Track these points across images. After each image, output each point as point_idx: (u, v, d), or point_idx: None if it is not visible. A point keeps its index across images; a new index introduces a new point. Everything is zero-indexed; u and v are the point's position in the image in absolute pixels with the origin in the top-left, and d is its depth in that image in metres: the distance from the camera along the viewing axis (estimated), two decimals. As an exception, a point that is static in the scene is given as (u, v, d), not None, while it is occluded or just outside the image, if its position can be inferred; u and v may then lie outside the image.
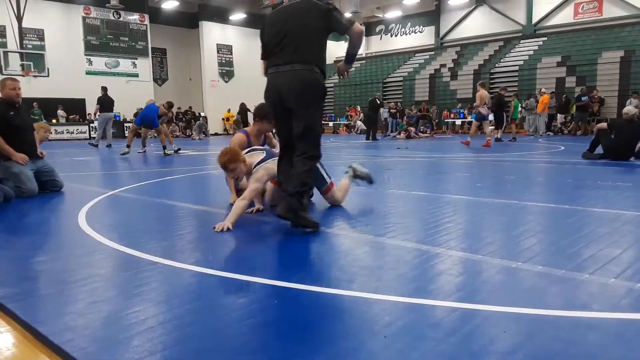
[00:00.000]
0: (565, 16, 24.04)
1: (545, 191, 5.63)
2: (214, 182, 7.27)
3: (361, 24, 28.10)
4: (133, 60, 25.25)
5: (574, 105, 18.43)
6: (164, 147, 11.64)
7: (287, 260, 2.95)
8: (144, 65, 25.65)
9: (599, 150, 8.59)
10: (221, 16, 27.47)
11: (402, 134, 19.51)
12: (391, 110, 22.45)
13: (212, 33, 27.65)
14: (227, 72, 28.34)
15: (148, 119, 11.76)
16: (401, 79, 27.17)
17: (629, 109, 8.73)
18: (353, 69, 31.07)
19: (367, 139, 17.86)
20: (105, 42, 24.48)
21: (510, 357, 1.70)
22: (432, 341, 1.82)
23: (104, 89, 16.13)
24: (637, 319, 1.99)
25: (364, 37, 29.08)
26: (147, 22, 25.54)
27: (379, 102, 18.34)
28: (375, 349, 1.78)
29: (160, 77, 28.21)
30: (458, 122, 23.57)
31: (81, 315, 2.13)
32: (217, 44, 27.79)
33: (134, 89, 24.08)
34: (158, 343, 1.84)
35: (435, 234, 3.55)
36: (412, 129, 20.19)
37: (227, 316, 2.10)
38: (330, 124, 28.00)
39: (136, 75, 25.32)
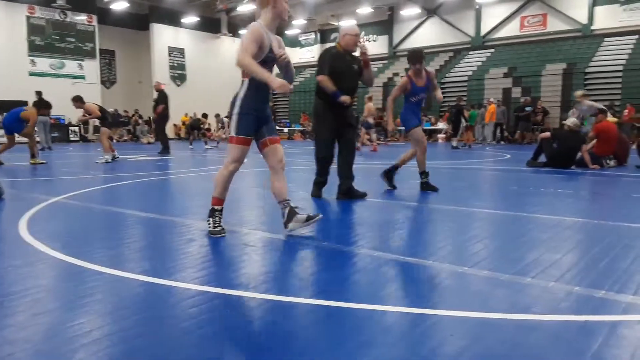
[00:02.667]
0: (512, 29, 25.07)
1: (491, 198, 5.84)
2: (163, 189, 7.11)
3: (316, 31, 28.06)
4: (80, 62, 24.39)
5: (516, 115, 19.26)
6: (32, 155, 10.19)
7: (241, 269, 2.92)
8: (91, 67, 24.83)
9: (543, 158, 8.98)
10: (173, 19, 26.99)
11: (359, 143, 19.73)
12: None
13: (164, 35, 27.10)
14: (179, 75, 27.83)
15: (5, 125, 10.18)
16: (355, 86, 27.56)
17: (572, 120, 9.19)
18: (308, 75, 31.20)
19: None
20: (50, 43, 23.54)
21: (456, 360, 1.75)
22: (382, 346, 1.85)
23: (39, 93, 15.75)
24: (576, 321, 2.09)
25: (318, 45, 28.91)
26: (95, 22, 24.75)
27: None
28: (325, 355, 1.79)
29: (108, 80, 27.36)
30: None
31: (22, 328, 2.03)
32: (168, 46, 27.26)
33: (80, 91, 23.23)
34: (104, 356, 1.78)
35: (387, 241, 3.61)
36: (367, 135, 20.40)
37: (177, 327, 2.05)
38: (285, 130, 28.00)
39: (83, 78, 24.46)
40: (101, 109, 10.77)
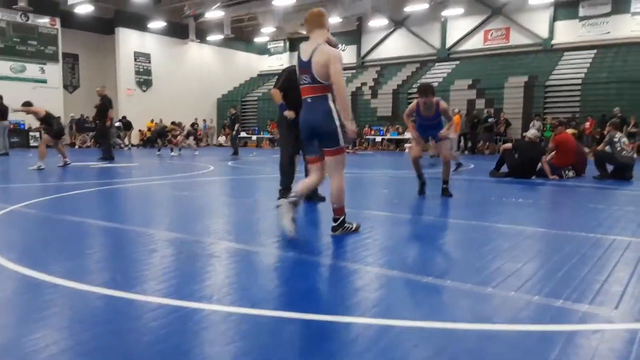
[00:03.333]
0: (476, 42, 25.71)
1: (456, 207, 5.93)
2: (126, 197, 6.96)
3: (285, 39, 28.10)
4: (41, 66, 23.68)
5: (482, 127, 19.71)
6: None
7: (204, 281, 2.87)
8: (54, 71, 24.14)
9: (505, 169, 9.20)
10: (139, 23, 26.52)
11: None
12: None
13: (130, 40, 26.61)
14: (144, 80, 27.34)
15: None
16: (324, 95, 27.67)
17: (532, 132, 9.45)
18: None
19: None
20: (10, 46, 22.79)
21: (419, 371, 1.76)
22: (348, 358, 1.85)
23: None
24: (535, 330, 2.14)
25: (287, 53, 28.90)
26: (58, 26, 24.11)
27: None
28: (290, 369, 1.77)
29: (71, 84, 26.65)
30: (378, 138, 24.34)
31: (-30, 345, 1.94)
32: (134, 51, 26.76)
33: (41, 95, 22.56)
34: (58, 373, 1.71)
35: (354, 250, 3.62)
36: None
37: (136, 341, 2.00)
38: (254, 137, 27.85)
39: (44, 82, 23.75)
40: (47, 114, 10.56)
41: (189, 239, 3.87)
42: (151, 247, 3.60)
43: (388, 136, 23.73)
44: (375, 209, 5.45)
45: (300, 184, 3.98)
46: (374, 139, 24.51)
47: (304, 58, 3.89)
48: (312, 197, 5.69)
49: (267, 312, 2.31)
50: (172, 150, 17.68)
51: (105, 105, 13.17)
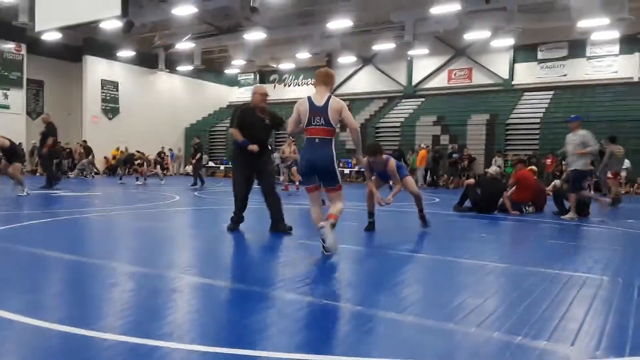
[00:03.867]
0: (441, 80, 26.59)
1: (419, 242, 6.02)
2: (86, 228, 6.78)
3: (255, 72, 28.34)
4: (5, 91, 23.14)
5: (446, 162, 20.22)
6: None
7: (165, 317, 2.80)
8: (17, 97, 23.59)
9: (468, 203, 9.42)
10: (108, 52, 26.34)
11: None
12: (282, 156, 22.78)
13: (97, 68, 26.35)
14: (111, 108, 26.99)
15: None
16: (293, 127, 27.91)
17: (493, 169, 9.76)
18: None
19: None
20: (-27, 70, 22.30)
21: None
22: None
23: None
24: (494, 367, 2.17)
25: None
26: (24, 52, 23.71)
27: (270, 147, 18.49)
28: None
29: (34, 111, 26.04)
30: (347, 171, 24.57)
31: None
32: (101, 79, 26.48)
33: (3, 121, 21.99)
34: (6, 416, 1.64)
35: (317, 284, 3.62)
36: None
37: (92, 381, 1.93)
38: (222, 167, 27.69)
39: (7, 107, 23.17)
40: (12, 144, 10.36)
41: (151, 273, 3.80)
42: (111, 281, 3.51)
43: (356, 169, 23.98)
44: (341, 242, 5.46)
45: (324, 213, 4.72)
46: (342, 171, 24.71)
47: (319, 103, 4.56)
48: (279, 227, 5.89)
49: (228, 350, 2.27)
50: (137, 179, 17.37)
51: (47, 132, 13.01)
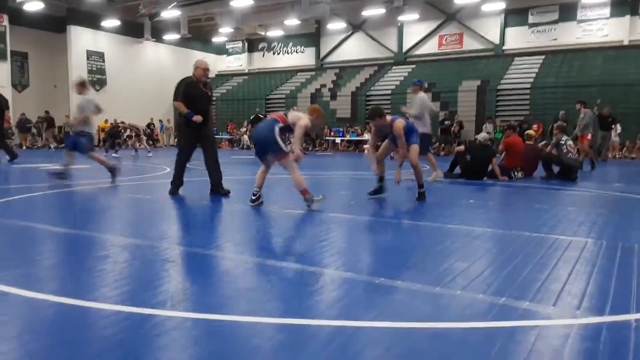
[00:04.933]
0: (431, 46, 26.33)
1: (409, 209, 6.09)
2: (77, 201, 6.79)
3: (244, 40, 27.86)
4: (-12, 64, 22.71)
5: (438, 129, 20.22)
6: None
7: (159, 287, 2.85)
8: (1, 70, 23.11)
9: (458, 170, 9.49)
10: (92, 21, 25.75)
11: None
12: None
13: (82, 38, 25.79)
14: (98, 80, 26.54)
15: None
16: (284, 96, 27.63)
17: (482, 135, 9.79)
18: (235, 83, 30.95)
19: None
20: (-46, 42, 21.75)
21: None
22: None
23: None
24: (478, 327, 2.25)
25: (246, 54, 28.83)
26: (6, 23, 23.11)
27: (261, 116, 18.49)
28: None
29: (20, 83, 25.59)
30: (337, 140, 24.55)
31: None
32: (87, 50, 25.95)
33: (-12, 94, 21.65)
34: (6, 384, 1.69)
35: (309, 253, 3.68)
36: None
37: (89, 351, 1.99)
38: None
39: (-8, 80, 22.78)
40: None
41: (143, 244, 3.84)
42: (104, 253, 3.55)
43: (347, 137, 23.97)
44: (331, 211, 5.52)
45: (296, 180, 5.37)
46: (334, 140, 24.70)
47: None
48: (218, 191, 6.52)
49: (222, 316, 2.33)
50: (136, 150, 17.13)
51: (1, 106, 12.54)
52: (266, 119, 5.45)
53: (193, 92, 6.43)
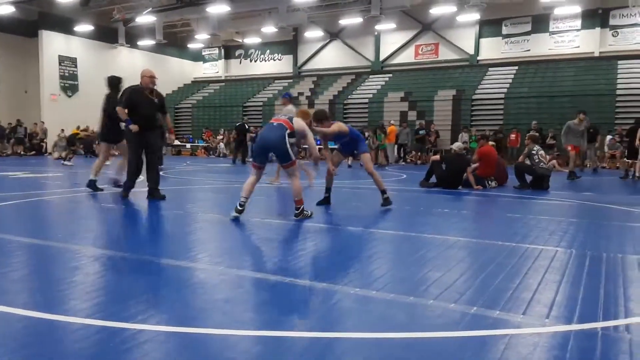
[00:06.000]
0: (408, 56, 26.68)
1: (384, 218, 6.13)
2: (47, 210, 6.65)
3: (220, 47, 27.64)
4: (-44, 68, 22.13)
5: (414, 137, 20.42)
6: None
7: (125, 299, 2.81)
8: (-30, 75, 22.63)
9: (434, 179, 9.61)
10: (65, 26, 25.31)
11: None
12: (251, 135, 22.62)
13: (54, 43, 25.33)
14: (70, 85, 26.09)
15: None
16: (261, 103, 27.59)
17: (457, 145, 9.95)
18: (212, 90, 30.78)
19: (234, 162, 17.74)
20: None
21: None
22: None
23: None
24: (450, 337, 2.28)
25: (222, 61, 28.61)
26: (-25, 26, 22.65)
27: (247, 126, 18.53)
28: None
29: (-10, 88, 25.03)
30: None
31: None
32: (59, 55, 25.48)
33: (-45, 99, 21.09)
34: (-30, 403, 1.65)
35: (283, 262, 3.68)
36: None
37: (57, 364, 1.95)
38: (188, 145, 27.23)
39: (-40, 85, 22.19)
40: None
41: (115, 255, 3.78)
42: (74, 265, 3.48)
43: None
44: (307, 220, 5.53)
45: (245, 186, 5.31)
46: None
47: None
48: (154, 195, 6.83)
49: (196, 329, 2.32)
50: (69, 159, 15.98)
51: None
52: (272, 124, 5.36)
53: (137, 99, 6.72)
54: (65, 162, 15.34)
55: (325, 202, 6.49)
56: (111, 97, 7.87)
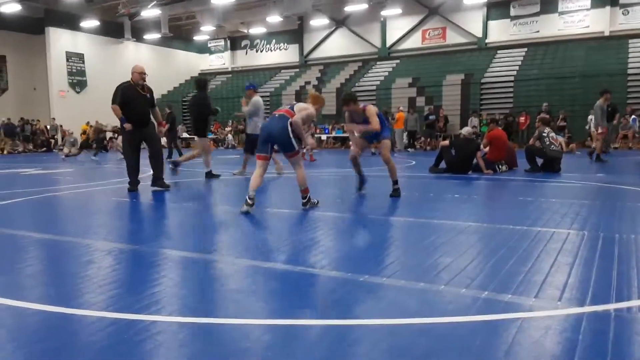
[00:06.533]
0: (415, 41, 26.44)
1: (395, 205, 6.11)
2: (60, 206, 6.72)
3: (226, 38, 27.66)
4: (-35, 67, 22.32)
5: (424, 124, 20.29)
6: None
7: (144, 291, 2.84)
8: (-21, 73, 22.82)
9: (443, 164, 9.55)
10: (71, 22, 25.40)
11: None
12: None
13: (61, 40, 25.45)
14: (78, 82, 26.23)
15: None
16: (268, 94, 27.55)
17: (466, 129, 9.86)
18: (219, 82, 30.78)
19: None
20: None
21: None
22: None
23: None
24: (462, 322, 2.28)
25: (228, 52, 28.63)
26: (-18, 25, 22.79)
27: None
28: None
29: (-1, 87, 25.24)
30: (323, 137, 24.54)
31: None
32: (66, 51, 25.61)
33: (-34, 99, 21.30)
34: (-12, 396, 1.68)
35: (294, 252, 3.69)
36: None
37: (73, 357, 1.98)
38: (197, 138, 27.25)
39: (-31, 84, 22.41)
40: None
41: (128, 249, 3.81)
42: (87, 259, 3.52)
43: (333, 134, 23.97)
44: (316, 209, 5.53)
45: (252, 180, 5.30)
46: (319, 137, 24.67)
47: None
48: (160, 185, 7.13)
49: (209, 320, 2.33)
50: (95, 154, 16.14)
51: None
52: (275, 115, 5.37)
53: (129, 95, 6.86)
54: (93, 157, 15.44)
55: (360, 186, 6.54)
56: (200, 98, 8.84)
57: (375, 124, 6.10)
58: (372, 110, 6.15)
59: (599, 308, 2.40)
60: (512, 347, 2.00)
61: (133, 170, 7.11)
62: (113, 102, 6.86)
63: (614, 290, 2.64)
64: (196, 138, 9.44)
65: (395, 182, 6.31)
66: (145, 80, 7.11)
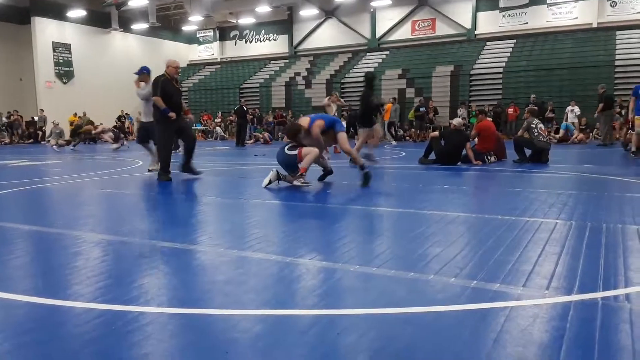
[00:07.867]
0: (404, 32, 26.41)
1: (385, 195, 6.14)
2: (47, 197, 6.65)
3: (215, 28, 27.50)
4: (-51, 57, 21.92)
5: (413, 114, 20.31)
6: None
7: (132, 283, 2.82)
8: (-37, 64, 22.43)
9: (433, 155, 9.59)
10: (57, 12, 25.02)
11: (251, 140, 20.17)
12: (249, 116, 22.60)
13: (47, 30, 25.06)
14: (65, 72, 25.88)
15: None
16: (258, 85, 27.42)
17: (457, 120, 9.90)
18: (208, 73, 30.55)
19: (237, 145, 18.00)
20: None
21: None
22: (281, 350, 1.91)
23: None
24: (450, 311, 2.29)
25: (217, 43, 28.45)
26: (-34, 14, 22.37)
27: (245, 108, 18.73)
28: (218, 365, 1.81)
29: (-17, 77, 24.83)
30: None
31: None
32: (52, 41, 25.24)
33: (-50, 89, 20.94)
34: (-26, 388, 1.66)
35: (284, 243, 3.69)
36: (266, 134, 21.01)
37: (61, 349, 1.96)
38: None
39: (-46, 75, 22.02)
40: None
41: (115, 240, 3.79)
42: (75, 250, 3.49)
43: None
44: (306, 200, 5.53)
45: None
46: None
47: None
48: (190, 170, 7.62)
49: (198, 310, 2.33)
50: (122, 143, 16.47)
51: None
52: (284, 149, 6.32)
53: (169, 88, 7.22)
54: (72, 148, 15.46)
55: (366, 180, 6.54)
56: (367, 94, 9.48)
57: (315, 135, 6.46)
58: (316, 131, 6.42)
59: (586, 296, 2.43)
60: (500, 335, 2.01)
61: (167, 157, 7.37)
62: (154, 94, 7.19)
63: (601, 279, 2.67)
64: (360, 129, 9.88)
65: (362, 167, 6.49)
66: (179, 74, 7.51)
